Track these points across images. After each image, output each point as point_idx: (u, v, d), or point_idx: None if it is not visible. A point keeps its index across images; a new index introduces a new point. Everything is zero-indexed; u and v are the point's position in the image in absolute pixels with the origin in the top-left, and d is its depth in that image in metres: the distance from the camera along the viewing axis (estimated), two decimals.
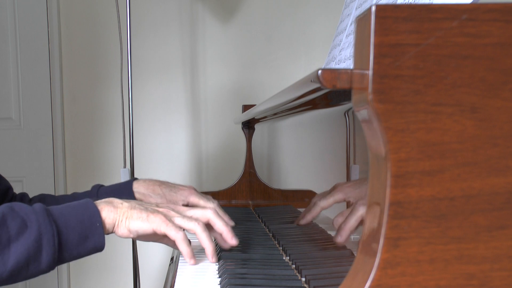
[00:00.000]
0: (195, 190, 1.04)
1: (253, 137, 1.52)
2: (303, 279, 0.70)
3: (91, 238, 0.72)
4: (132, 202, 0.80)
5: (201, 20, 2.22)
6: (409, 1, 0.68)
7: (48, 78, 2.18)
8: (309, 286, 0.66)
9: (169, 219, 0.78)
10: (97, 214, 0.74)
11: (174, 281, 0.74)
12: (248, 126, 1.52)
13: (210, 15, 2.22)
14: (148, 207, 0.79)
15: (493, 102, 0.42)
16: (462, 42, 0.42)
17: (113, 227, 0.76)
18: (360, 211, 0.63)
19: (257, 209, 1.30)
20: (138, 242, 1.79)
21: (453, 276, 0.43)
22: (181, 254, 0.81)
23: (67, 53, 2.22)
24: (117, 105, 2.03)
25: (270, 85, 2.19)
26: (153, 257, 2.17)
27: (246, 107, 1.55)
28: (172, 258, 1.01)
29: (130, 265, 1.86)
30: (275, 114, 1.07)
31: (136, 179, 1.09)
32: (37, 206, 0.71)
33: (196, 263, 0.80)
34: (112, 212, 0.76)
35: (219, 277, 0.74)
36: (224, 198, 1.49)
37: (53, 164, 2.21)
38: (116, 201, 0.78)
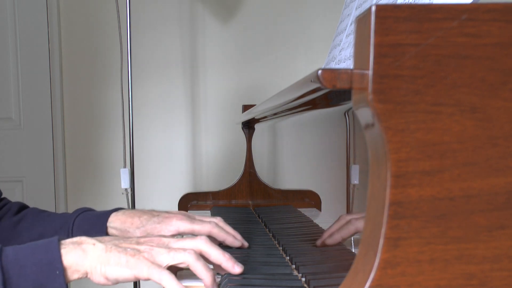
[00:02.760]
0: (186, 215, 0.86)
1: (253, 137, 1.52)
2: (303, 279, 0.70)
3: (49, 287, 0.63)
4: (108, 242, 0.68)
5: (201, 20, 2.22)
6: (409, 1, 0.68)
7: (48, 78, 2.18)
8: (309, 286, 0.66)
9: (152, 259, 0.66)
10: (58, 259, 0.64)
11: None
12: (248, 126, 1.52)
13: (210, 15, 2.22)
14: (128, 247, 0.67)
15: (493, 102, 0.42)
16: (462, 42, 0.42)
17: (84, 274, 0.66)
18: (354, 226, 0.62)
19: (257, 209, 1.30)
20: None
21: (453, 276, 0.43)
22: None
23: (67, 53, 2.22)
24: (117, 105, 2.03)
25: (270, 85, 2.19)
26: None
27: (246, 107, 1.55)
28: None
29: None
30: (275, 114, 1.07)
31: (118, 209, 0.91)
32: None
33: None
34: (81, 257, 0.65)
35: (219, 277, 0.74)
36: (224, 198, 1.49)
37: (53, 164, 2.21)
38: (87, 241, 0.67)
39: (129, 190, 1.76)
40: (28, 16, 2.17)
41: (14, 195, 2.20)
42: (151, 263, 0.65)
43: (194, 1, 2.21)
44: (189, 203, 1.49)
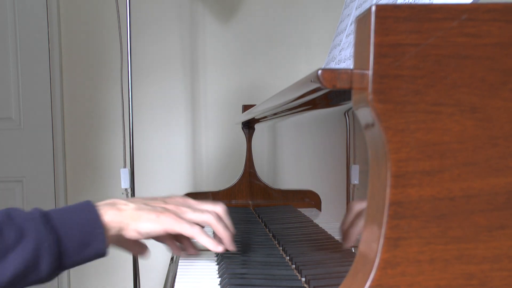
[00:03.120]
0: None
1: (253, 137, 1.52)
2: (303, 279, 0.70)
3: (93, 244, 0.68)
4: (138, 202, 0.75)
5: (201, 20, 2.22)
6: (409, 1, 0.68)
7: (48, 78, 2.18)
8: (309, 286, 0.66)
9: (180, 216, 0.74)
10: (98, 219, 0.69)
11: (174, 281, 0.74)
12: (248, 126, 1.52)
13: (210, 15, 2.22)
14: (156, 206, 0.75)
15: (493, 102, 0.42)
16: (462, 42, 0.42)
17: (119, 230, 0.72)
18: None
19: (257, 209, 1.30)
20: None
21: (453, 276, 0.43)
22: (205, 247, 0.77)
23: (67, 53, 2.22)
24: (117, 105, 2.03)
25: (270, 85, 2.19)
26: (153, 257, 2.16)
27: (246, 107, 1.55)
28: (172, 258, 1.01)
29: (130, 265, 1.86)
30: (275, 114, 1.07)
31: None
32: (35, 212, 0.68)
33: (224, 249, 0.76)
34: (117, 215, 0.71)
35: (219, 277, 0.74)
36: (224, 198, 1.49)
37: (53, 164, 2.21)
38: (120, 202, 0.74)
39: (129, 190, 1.76)
40: (28, 16, 2.17)
41: (14, 195, 2.20)
42: (180, 218, 0.73)
43: (194, 1, 2.21)
44: None
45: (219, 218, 0.76)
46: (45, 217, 0.67)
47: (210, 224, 0.76)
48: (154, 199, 0.78)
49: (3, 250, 0.63)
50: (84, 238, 0.68)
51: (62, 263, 0.67)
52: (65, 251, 0.67)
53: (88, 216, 0.69)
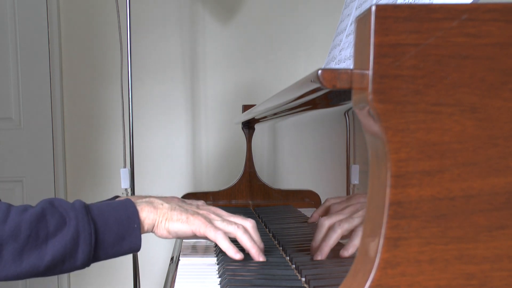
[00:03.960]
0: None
1: (253, 137, 1.52)
2: (303, 279, 0.70)
3: (128, 239, 0.72)
4: (173, 203, 0.79)
5: (201, 20, 2.22)
6: (409, 1, 0.68)
7: (48, 78, 2.18)
8: (309, 286, 0.66)
9: (208, 221, 0.77)
10: (136, 215, 0.73)
11: (174, 281, 0.74)
12: (248, 126, 1.52)
13: (210, 15, 2.22)
14: (189, 209, 0.78)
15: (493, 102, 0.42)
16: (462, 42, 0.42)
17: (152, 228, 0.76)
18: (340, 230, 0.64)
19: (257, 209, 1.30)
20: None
21: (453, 276, 0.43)
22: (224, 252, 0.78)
23: (67, 53, 2.22)
24: (117, 105, 2.03)
25: (270, 85, 2.19)
26: (153, 257, 2.17)
27: (246, 107, 1.55)
28: (172, 258, 1.01)
29: (130, 265, 1.86)
30: (275, 114, 1.07)
31: (116, 197, 0.94)
32: (77, 202, 0.71)
33: (242, 257, 0.77)
34: (152, 213, 0.75)
35: (219, 277, 0.74)
36: (224, 198, 1.49)
37: (53, 164, 2.21)
38: (157, 201, 0.78)
39: (129, 190, 1.76)
40: (28, 16, 2.17)
41: (14, 195, 2.20)
42: (208, 223, 0.76)
43: (194, 1, 2.21)
44: None
45: (245, 231, 0.78)
46: (86, 209, 0.71)
47: (235, 235, 0.78)
48: (190, 203, 0.83)
49: (44, 236, 0.66)
50: (120, 232, 0.71)
51: (97, 254, 0.70)
52: (102, 243, 0.70)
53: (126, 211, 0.73)
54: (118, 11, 1.72)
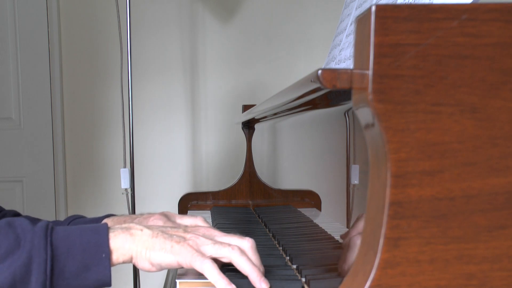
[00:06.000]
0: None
1: (253, 137, 1.52)
2: (303, 279, 0.70)
3: (94, 269, 0.63)
4: (155, 229, 0.67)
5: (201, 20, 2.22)
6: (409, 1, 0.68)
7: (48, 78, 2.18)
8: (309, 286, 0.66)
9: (197, 248, 0.65)
10: (105, 243, 0.64)
11: (175, 281, 0.74)
12: (248, 126, 1.52)
13: (210, 15, 2.22)
14: (174, 234, 0.67)
15: (493, 102, 0.42)
16: (462, 42, 0.42)
17: (130, 259, 0.66)
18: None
19: (257, 209, 1.30)
20: None
21: (453, 276, 0.43)
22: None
23: (67, 53, 2.22)
24: (117, 105, 2.03)
25: (270, 85, 2.19)
26: None
27: (246, 107, 1.55)
28: None
29: (130, 265, 1.86)
30: (275, 114, 1.07)
31: (109, 215, 0.88)
32: (41, 224, 0.63)
33: None
34: (128, 241, 0.65)
35: None
36: (224, 198, 1.49)
37: (53, 164, 2.21)
38: (136, 227, 0.67)
39: (129, 190, 1.76)
40: (28, 16, 2.17)
41: (14, 195, 2.20)
42: (195, 251, 0.64)
43: (194, 1, 2.21)
44: (189, 203, 1.49)
45: (242, 252, 0.65)
46: (47, 231, 0.63)
47: (229, 259, 0.66)
48: (176, 226, 0.71)
49: None
50: (85, 261, 0.63)
51: (56, 284, 0.62)
52: (61, 272, 0.62)
53: (96, 237, 0.64)
54: (118, 11, 1.72)
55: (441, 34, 0.41)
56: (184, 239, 0.66)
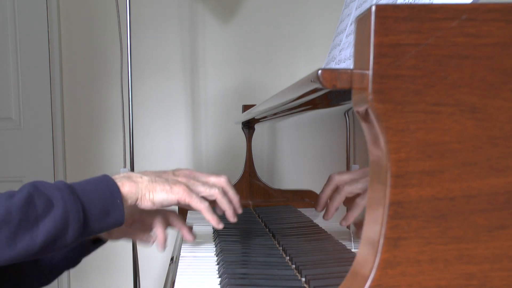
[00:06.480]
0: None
1: (253, 137, 1.52)
2: (303, 279, 0.70)
3: (112, 213, 0.74)
4: (151, 174, 0.81)
5: (201, 20, 2.22)
6: (409, 1, 0.68)
7: (48, 78, 2.18)
8: (309, 286, 0.66)
9: (191, 188, 0.80)
10: (117, 190, 0.75)
11: (174, 281, 0.74)
12: (248, 126, 1.52)
13: (210, 15, 2.22)
14: (169, 178, 0.81)
15: (493, 102, 0.42)
16: (462, 42, 0.42)
17: (136, 201, 0.78)
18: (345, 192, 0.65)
19: (257, 209, 1.30)
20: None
21: (453, 276, 0.43)
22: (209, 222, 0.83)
23: (67, 53, 2.22)
24: (117, 105, 2.03)
25: (270, 85, 2.19)
26: (153, 257, 2.17)
27: (246, 107, 1.55)
28: (172, 258, 1.01)
29: (130, 265, 1.86)
30: (275, 114, 1.07)
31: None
32: (60, 184, 0.73)
33: (223, 227, 0.84)
34: (133, 187, 0.77)
35: (219, 277, 0.74)
36: None
37: (53, 164, 2.21)
38: (135, 175, 0.80)
39: None
40: (28, 16, 2.17)
41: None
42: (191, 191, 0.80)
43: (194, 1, 2.21)
44: None
45: (224, 192, 0.84)
46: (70, 188, 0.72)
47: (216, 198, 0.83)
48: (165, 172, 0.85)
49: (34, 218, 0.68)
50: (105, 207, 0.73)
51: (86, 230, 0.72)
52: (89, 219, 0.72)
53: (108, 187, 0.75)
54: (118, 11, 1.72)
55: (441, 34, 0.41)
56: (178, 181, 0.81)
